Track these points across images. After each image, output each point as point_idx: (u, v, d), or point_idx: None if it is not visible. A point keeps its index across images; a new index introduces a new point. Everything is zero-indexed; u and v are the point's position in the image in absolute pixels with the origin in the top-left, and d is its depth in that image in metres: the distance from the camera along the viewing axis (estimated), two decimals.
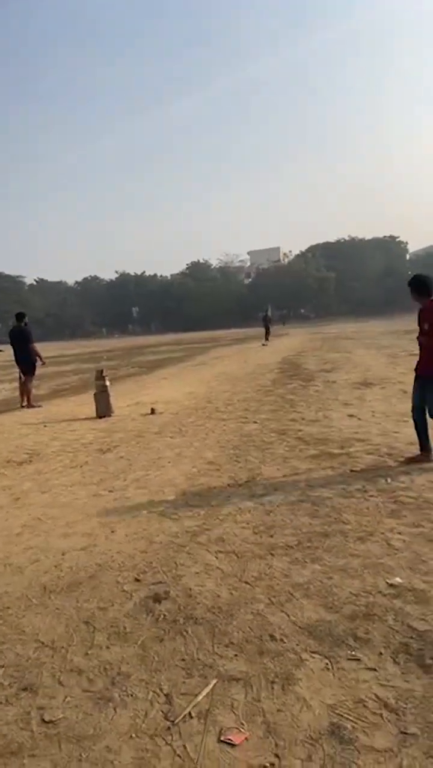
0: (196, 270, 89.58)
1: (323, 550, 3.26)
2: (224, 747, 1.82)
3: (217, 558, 3.27)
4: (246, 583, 2.93)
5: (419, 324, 5.02)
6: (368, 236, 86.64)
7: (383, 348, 17.06)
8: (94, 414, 8.78)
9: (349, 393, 9.27)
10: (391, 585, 2.79)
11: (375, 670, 2.16)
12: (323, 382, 10.98)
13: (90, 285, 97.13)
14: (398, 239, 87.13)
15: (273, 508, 4.04)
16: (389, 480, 4.49)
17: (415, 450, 5.05)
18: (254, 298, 74.81)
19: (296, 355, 18.32)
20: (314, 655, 2.28)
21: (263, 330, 29.81)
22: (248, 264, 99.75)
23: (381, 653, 2.25)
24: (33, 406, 10.45)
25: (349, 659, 2.23)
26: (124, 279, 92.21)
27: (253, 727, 1.90)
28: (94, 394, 8.93)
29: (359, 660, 2.22)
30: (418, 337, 5.06)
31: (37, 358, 10.73)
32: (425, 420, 4.96)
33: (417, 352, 5.09)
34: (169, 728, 1.93)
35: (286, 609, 2.64)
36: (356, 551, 3.21)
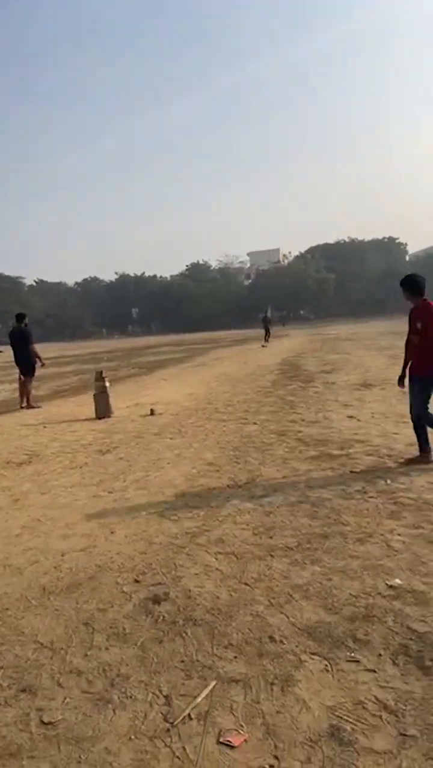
0: (196, 271, 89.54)
1: (323, 551, 3.26)
2: (223, 749, 1.82)
3: (216, 559, 3.27)
4: (245, 584, 2.93)
5: (410, 323, 5.04)
6: (368, 237, 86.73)
7: (382, 349, 17.05)
8: (93, 415, 8.78)
9: (349, 394, 9.27)
10: (390, 586, 2.79)
11: (375, 671, 2.15)
12: (322, 383, 10.98)
13: (90, 286, 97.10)
14: (397, 240, 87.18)
15: (273, 509, 4.04)
16: (388, 481, 4.49)
17: (414, 451, 5.05)
18: (254, 299, 74.77)
19: (295, 357, 18.32)
20: (313, 656, 2.28)
21: (262, 331, 29.81)
22: (248, 265, 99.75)
23: (381, 655, 2.25)
24: (33, 407, 10.45)
25: (348, 661, 2.23)
26: (124, 280, 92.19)
27: (252, 729, 1.90)
28: (94, 395, 8.93)
29: (358, 661, 2.22)
30: (409, 337, 5.07)
31: (37, 359, 10.73)
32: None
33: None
34: (168, 730, 1.92)
35: (285, 610, 2.64)
36: (355, 553, 3.21)
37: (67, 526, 4.01)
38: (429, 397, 4.92)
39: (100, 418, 8.63)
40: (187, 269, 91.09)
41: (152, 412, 8.68)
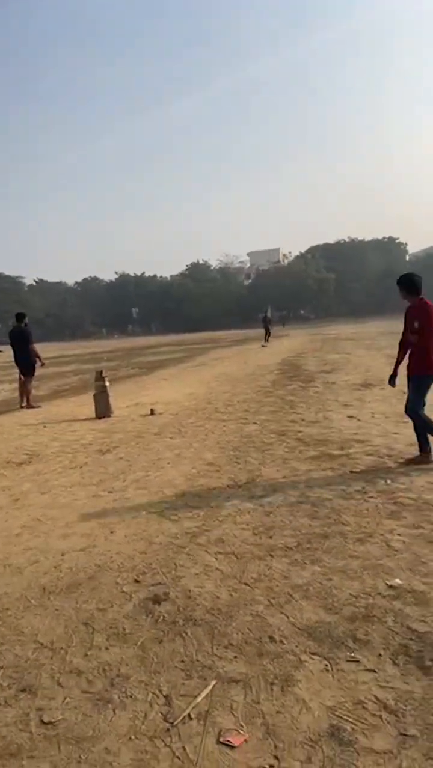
0: (196, 271, 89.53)
1: (323, 551, 3.26)
2: (224, 748, 1.82)
3: (216, 559, 3.27)
4: (245, 584, 2.93)
5: (406, 323, 5.04)
6: (368, 237, 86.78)
7: (382, 349, 17.03)
8: (93, 415, 8.78)
9: (349, 394, 9.27)
10: (390, 586, 2.79)
11: (375, 671, 2.15)
12: (322, 383, 10.98)
13: (90, 285, 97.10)
14: (397, 240, 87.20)
15: (273, 509, 4.04)
16: (388, 481, 4.49)
17: (415, 451, 5.05)
18: (254, 299, 74.75)
19: (295, 356, 18.32)
20: (313, 656, 2.27)
21: (262, 331, 29.81)
22: (248, 265, 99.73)
23: (381, 655, 2.25)
24: (33, 407, 10.45)
25: (348, 661, 2.23)
26: (123, 280, 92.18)
27: (252, 729, 1.90)
28: (94, 395, 8.93)
29: (358, 661, 2.22)
30: (407, 336, 5.08)
31: (37, 359, 10.73)
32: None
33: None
34: (168, 730, 1.92)
35: (285, 610, 2.64)
36: (355, 552, 3.21)
37: (67, 526, 4.01)
38: (424, 396, 4.92)
39: (100, 418, 8.63)
40: (187, 269, 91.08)
41: (152, 412, 8.68)
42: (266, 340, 28.30)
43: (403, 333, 5.15)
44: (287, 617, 2.58)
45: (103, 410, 8.75)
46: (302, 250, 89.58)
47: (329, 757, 1.75)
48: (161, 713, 2.01)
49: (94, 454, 6.28)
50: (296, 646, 2.35)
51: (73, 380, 15.95)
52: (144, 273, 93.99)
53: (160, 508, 4.23)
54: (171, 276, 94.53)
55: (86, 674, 2.28)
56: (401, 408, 6.97)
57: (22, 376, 10.70)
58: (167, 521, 3.95)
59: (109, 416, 8.70)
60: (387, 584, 2.81)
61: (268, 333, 29.18)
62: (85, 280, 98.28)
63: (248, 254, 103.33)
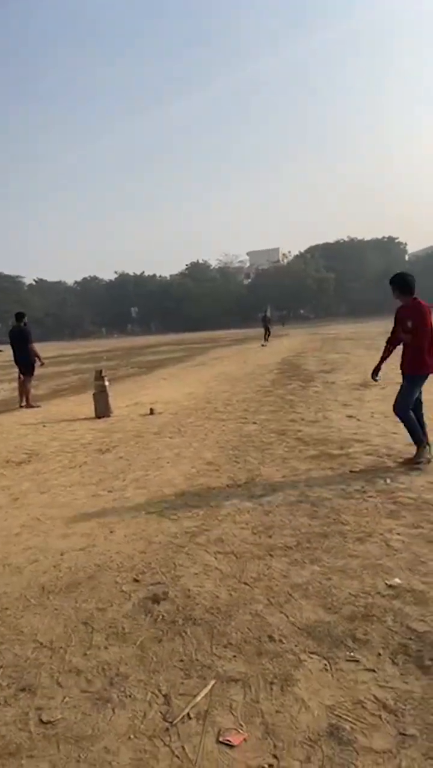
0: (196, 270, 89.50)
1: (322, 550, 3.26)
2: (223, 748, 1.82)
3: (216, 558, 3.26)
4: (245, 583, 2.93)
5: (398, 322, 5.05)
6: (368, 237, 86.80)
7: (382, 348, 16.89)
8: (93, 414, 8.77)
9: (348, 394, 9.27)
10: (390, 586, 2.79)
11: (374, 671, 2.15)
12: (322, 382, 10.98)
13: (89, 285, 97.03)
14: (397, 240, 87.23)
15: (272, 508, 4.04)
16: (388, 481, 4.49)
17: (414, 450, 5.05)
18: (254, 298, 74.73)
19: (295, 356, 18.32)
20: (312, 656, 2.27)
21: (262, 330, 29.80)
22: (248, 264, 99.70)
23: (380, 654, 2.25)
24: (32, 406, 10.44)
25: (348, 660, 2.23)
26: (123, 279, 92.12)
27: (251, 728, 1.90)
28: (94, 394, 8.93)
29: (357, 661, 2.22)
30: (396, 335, 5.08)
31: (36, 358, 10.73)
32: (421, 416, 4.99)
33: None
34: (167, 729, 1.92)
35: (285, 610, 2.64)
36: (355, 552, 3.21)
37: (66, 526, 4.01)
38: (414, 395, 4.91)
39: (99, 418, 8.63)
40: (186, 268, 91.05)
41: (152, 412, 8.68)
42: (266, 339, 28.30)
43: (392, 332, 5.18)
44: (287, 616, 2.58)
45: (102, 410, 8.75)
46: (302, 250, 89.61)
47: (328, 757, 1.74)
48: (160, 712, 2.01)
49: (93, 453, 6.28)
50: (296, 646, 2.35)
51: (73, 380, 15.94)
52: (144, 272, 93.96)
53: (160, 508, 4.23)
54: (171, 275, 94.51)
55: (85, 673, 2.27)
56: None
57: (21, 376, 10.69)
58: (167, 521, 3.95)
59: (108, 416, 8.70)
60: (387, 584, 2.81)
61: (267, 332, 29.17)
62: (84, 279, 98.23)
63: (247, 254, 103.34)
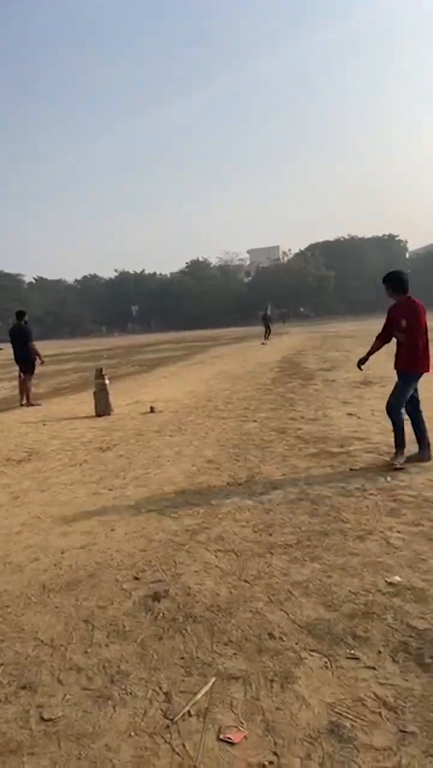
0: (196, 268, 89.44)
1: (323, 548, 3.26)
2: (223, 745, 1.82)
3: (216, 556, 3.27)
4: (245, 581, 2.93)
5: (392, 321, 5.04)
6: (368, 235, 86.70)
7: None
8: (93, 412, 8.78)
9: (348, 391, 9.27)
10: (390, 583, 2.79)
11: (374, 668, 2.16)
12: (322, 380, 10.98)
13: (90, 283, 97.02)
14: (397, 238, 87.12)
15: (272, 506, 4.04)
16: (388, 478, 4.49)
17: (413, 448, 5.05)
18: (254, 296, 74.72)
19: (295, 354, 18.32)
20: (313, 653, 2.28)
21: (262, 329, 29.79)
22: (248, 262, 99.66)
23: (380, 652, 2.26)
24: (32, 405, 10.44)
25: (348, 658, 2.23)
26: (123, 277, 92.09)
27: (252, 726, 1.90)
28: (94, 393, 8.93)
29: (358, 658, 2.22)
30: (387, 332, 5.07)
31: (37, 356, 10.73)
32: (420, 415, 4.98)
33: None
34: (168, 726, 1.93)
35: (285, 607, 2.64)
36: (355, 550, 3.21)
37: (66, 524, 4.01)
38: (407, 394, 4.90)
39: (100, 416, 8.63)
40: (187, 267, 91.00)
41: (152, 410, 8.68)
42: (266, 337, 28.30)
43: (383, 329, 5.18)
44: (287, 614, 2.58)
45: (103, 408, 8.75)
46: (302, 248, 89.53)
47: (328, 754, 1.75)
48: (161, 710, 2.01)
49: (94, 451, 6.28)
50: (296, 643, 2.35)
51: (73, 378, 15.94)
52: (144, 271, 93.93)
53: (160, 506, 4.24)
54: (171, 274, 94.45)
55: (86, 671, 2.28)
56: None
57: (21, 374, 10.69)
58: (167, 519, 3.96)
59: (109, 414, 8.70)
60: (387, 581, 2.81)
61: (268, 331, 29.17)
62: (84, 277, 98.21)
63: (247, 252, 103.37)
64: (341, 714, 1.92)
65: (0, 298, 74.40)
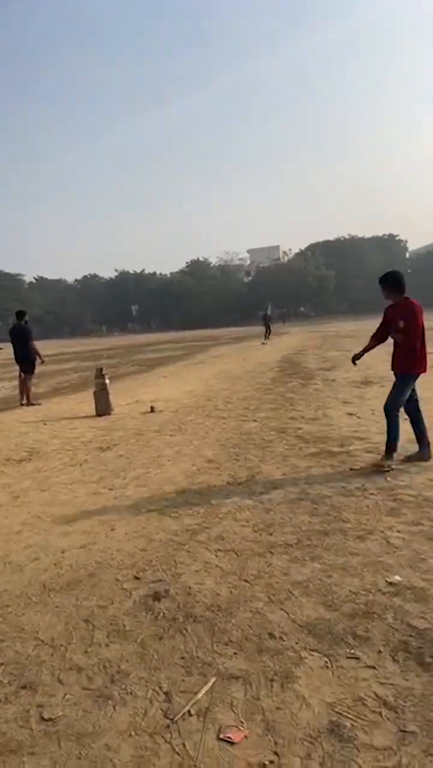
0: (196, 268, 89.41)
1: (323, 548, 3.26)
2: (224, 745, 1.82)
3: (216, 556, 3.27)
4: (245, 581, 2.93)
5: (388, 321, 5.02)
6: (368, 235, 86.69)
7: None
8: (93, 412, 8.78)
9: (349, 391, 9.27)
10: (390, 583, 2.79)
11: (374, 668, 2.16)
12: (322, 380, 10.98)
13: (90, 283, 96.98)
14: (397, 238, 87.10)
15: (273, 506, 4.04)
16: (388, 478, 4.49)
17: (414, 448, 5.05)
18: (254, 296, 74.70)
19: (295, 354, 18.32)
20: (313, 653, 2.28)
21: (262, 328, 29.79)
22: (248, 262, 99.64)
23: (380, 651, 2.26)
24: (32, 404, 10.44)
25: (348, 657, 2.23)
26: (123, 277, 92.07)
27: (252, 725, 1.90)
28: (94, 393, 8.93)
29: (358, 658, 2.22)
30: (381, 333, 5.05)
31: (37, 356, 10.73)
32: (420, 415, 4.97)
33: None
34: (168, 726, 1.93)
35: (285, 607, 2.64)
36: (355, 549, 3.21)
37: (67, 523, 4.01)
38: (405, 395, 4.87)
39: (100, 416, 8.63)
40: (187, 266, 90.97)
41: (152, 410, 8.68)
42: (266, 337, 28.30)
43: (378, 328, 5.16)
44: (287, 614, 2.58)
45: (103, 408, 8.75)
46: (302, 248, 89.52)
47: (328, 754, 1.75)
48: (161, 710, 2.01)
49: (94, 451, 6.28)
50: (296, 643, 2.35)
51: (73, 378, 15.94)
52: (144, 270, 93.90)
53: (161, 506, 4.24)
54: (171, 273, 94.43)
55: (86, 671, 2.28)
56: None
57: (22, 374, 10.69)
58: (167, 518, 3.96)
59: (109, 414, 8.70)
60: (387, 581, 2.81)
61: (268, 330, 29.17)
62: (84, 277, 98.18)
63: (247, 251, 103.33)
64: (341, 713, 1.92)
65: (0, 298, 74.39)
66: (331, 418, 7.17)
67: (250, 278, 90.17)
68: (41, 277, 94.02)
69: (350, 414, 7.30)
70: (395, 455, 4.85)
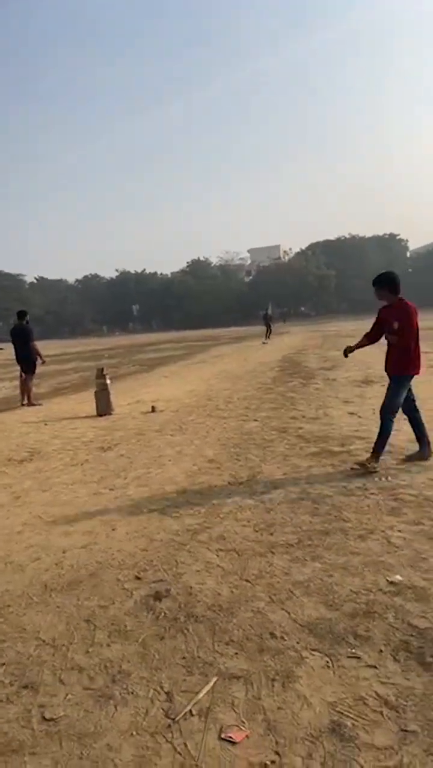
0: (197, 268, 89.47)
1: (324, 548, 3.26)
2: (225, 745, 1.82)
3: (217, 556, 3.27)
4: (247, 581, 2.94)
5: (382, 321, 4.99)
6: (369, 234, 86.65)
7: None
8: (94, 412, 8.78)
9: (349, 391, 9.27)
10: (391, 583, 2.79)
11: (375, 667, 2.16)
12: (323, 379, 10.98)
13: (90, 283, 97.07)
14: (398, 237, 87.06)
15: (274, 506, 4.04)
16: (389, 478, 4.49)
17: (414, 447, 5.05)
18: (255, 296, 74.78)
19: (296, 353, 18.32)
20: (314, 652, 2.28)
21: (263, 328, 29.80)
22: (249, 262, 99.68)
23: (381, 651, 2.26)
24: (33, 405, 10.45)
25: (349, 657, 2.23)
26: (124, 277, 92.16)
27: (253, 725, 1.90)
28: (95, 393, 8.93)
29: (359, 658, 2.22)
30: (384, 336, 5.01)
31: (38, 356, 10.74)
32: (418, 415, 4.97)
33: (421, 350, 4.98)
34: (169, 726, 1.93)
35: (286, 607, 2.64)
36: (356, 549, 3.21)
37: (68, 523, 4.02)
38: (400, 396, 4.83)
39: (101, 416, 8.63)
40: (187, 266, 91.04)
41: (153, 410, 8.68)
42: (267, 337, 28.30)
43: (372, 328, 5.13)
44: (288, 613, 2.58)
45: (104, 408, 8.75)
46: (303, 247, 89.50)
47: (330, 753, 1.75)
48: (163, 709, 2.02)
49: (95, 451, 6.29)
50: (297, 643, 2.35)
51: (74, 378, 15.95)
52: (144, 270, 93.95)
53: (162, 505, 4.24)
54: (172, 273, 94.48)
55: (88, 671, 2.28)
56: None
57: (23, 374, 10.70)
58: (168, 518, 3.96)
59: (110, 414, 8.70)
60: (388, 580, 2.81)
61: (269, 330, 29.17)
62: (85, 277, 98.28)
63: (248, 251, 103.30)
64: (342, 713, 1.92)
65: (1, 298, 74.50)
66: (332, 417, 7.17)
67: (250, 278, 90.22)
68: (42, 278, 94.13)
69: (351, 413, 7.30)
70: (380, 459, 4.78)
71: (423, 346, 5.00)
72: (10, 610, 2.82)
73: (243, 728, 1.89)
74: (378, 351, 5.33)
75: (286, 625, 2.48)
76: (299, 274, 78.27)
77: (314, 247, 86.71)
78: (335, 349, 18.60)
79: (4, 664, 2.37)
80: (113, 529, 3.82)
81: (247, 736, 1.85)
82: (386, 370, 5.00)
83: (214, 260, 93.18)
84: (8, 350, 12.72)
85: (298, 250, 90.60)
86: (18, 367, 10.88)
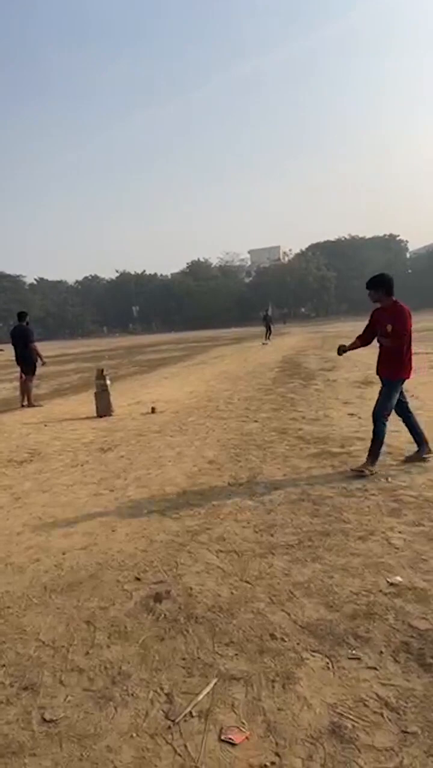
0: (197, 269, 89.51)
1: (324, 549, 3.26)
2: (225, 746, 1.82)
3: (217, 557, 3.27)
4: (247, 582, 2.93)
5: (375, 324, 4.97)
6: (369, 235, 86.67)
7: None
8: (94, 413, 8.78)
9: (349, 392, 9.26)
10: (392, 584, 2.79)
11: (376, 669, 2.16)
12: (323, 380, 10.98)
13: (90, 284, 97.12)
14: (398, 238, 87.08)
15: (274, 507, 4.04)
16: (389, 479, 4.49)
17: (413, 448, 5.04)
18: (255, 297, 74.84)
19: (296, 354, 18.32)
20: (314, 654, 2.28)
21: (263, 329, 29.81)
22: (249, 263, 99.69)
23: (382, 652, 2.25)
24: (33, 406, 10.45)
25: (349, 658, 2.23)
26: (124, 278, 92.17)
27: (253, 726, 1.90)
28: (95, 394, 8.93)
29: (359, 659, 2.22)
30: (368, 335, 5.01)
31: (38, 357, 10.74)
32: (413, 417, 4.96)
33: (422, 351, 5.00)
34: (169, 727, 1.93)
35: (286, 608, 2.64)
36: (356, 550, 3.21)
37: (68, 525, 4.01)
38: (392, 399, 4.82)
39: (101, 417, 8.63)
40: (187, 267, 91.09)
41: (153, 411, 8.68)
42: (267, 338, 28.31)
43: (365, 330, 5.11)
44: (288, 615, 2.58)
45: (104, 409, 8.75)
46: (303, 248, 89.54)
47: (330, 755, 1.75)
48: (163, 711, 2.01)
49: (95, 452, 6.29)
50: (297, 644, 2.35)
51: (74, 379, 15.95)
52: (144, 271, 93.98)
53: (161, 507, 4.24)
54: (172, 274, 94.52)
55: (88, 672, 2.28)
56: None
57: (23, 375, 10.70)
58: (168, 519, 3.96)
59: (110, 415, 8.70)
60: (388, 582, 2.81)
61: (269, 331, 29.18)
62: (85, 278, 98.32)
63: (248, 252, 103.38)
64: (342, 714, 1.92)
65: (1, 300, 74.54)
66: (332, 418, 7.17)
67: (250, 279, 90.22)
68: (42, 279, 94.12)
69: (351, 414, 7.30)
70: (377, 462, 4.76)
71: (423, 347, 5.00)
72: (10, 612, 2.82)
73: (243, 730, 1.89)
74: (376, 352, 5.33)
75: (286, 627, 2.48)
76: (299, 275, 78.29)
77: (314, 248, 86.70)
78: (334, 350, 18.61)
79: (4, 665, 2.37)
80: (113, 531, 3.82)
81: (247, 738, 1.85)
82: (377, 373, 5.00)
83: (215, 261, 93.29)
84: (8, 351, 12.72)
85: (298, 251, 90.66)
86: (18, 368, 10.88)
